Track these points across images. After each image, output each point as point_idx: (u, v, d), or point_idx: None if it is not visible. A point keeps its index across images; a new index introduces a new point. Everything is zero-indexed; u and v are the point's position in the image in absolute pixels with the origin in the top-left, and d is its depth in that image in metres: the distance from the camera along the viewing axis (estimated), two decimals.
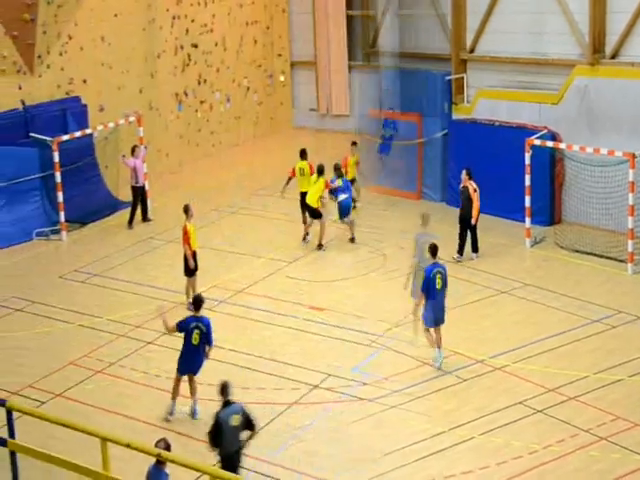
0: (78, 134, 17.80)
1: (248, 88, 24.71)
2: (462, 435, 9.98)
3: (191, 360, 10.64)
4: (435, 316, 11.80)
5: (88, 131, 18.28)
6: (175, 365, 11.84)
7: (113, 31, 20.04)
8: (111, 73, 20.12)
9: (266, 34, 25.21)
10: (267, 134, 25.33)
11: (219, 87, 23.54)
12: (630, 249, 14.40)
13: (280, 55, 25.64)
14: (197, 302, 10.83)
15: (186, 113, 22.51)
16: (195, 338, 10.49)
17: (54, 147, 16.99)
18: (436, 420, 10.31)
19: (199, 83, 22.84)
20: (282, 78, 25.80)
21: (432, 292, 11.67)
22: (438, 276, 11.73)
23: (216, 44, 23.26)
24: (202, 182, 20.85)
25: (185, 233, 13.56)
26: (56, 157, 17.00)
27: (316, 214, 16.00)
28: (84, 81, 19.41)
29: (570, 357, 11.76)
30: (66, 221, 17.40)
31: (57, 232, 17.42)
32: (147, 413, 10.70)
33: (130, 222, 17.87)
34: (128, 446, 7.21)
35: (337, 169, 16.67)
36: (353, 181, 18.15)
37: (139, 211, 18.10)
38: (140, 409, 10.82)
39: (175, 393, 10.71)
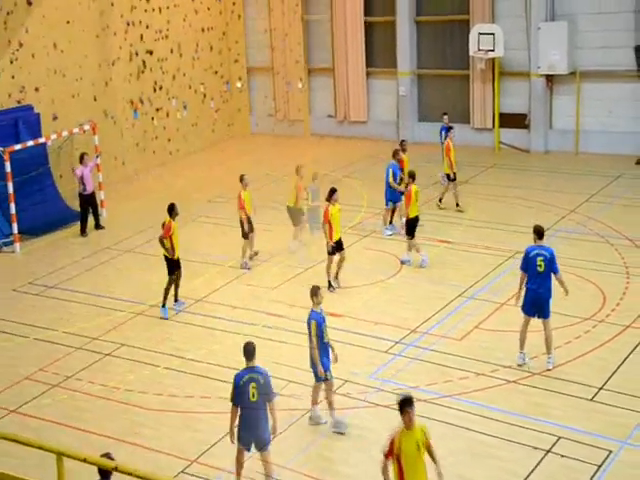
0: (31, 143, 17.47)
1: (205, 95, 24.57)
2: (482, 441, 9.88)
3: (253, 424, 8.81)
4: (533, 303, 11.08)
5: (41, 140, 17.96)
6: (134, 376, 11.68)
7: (66, 38, 19.76)
8: (64, 81, 19.81)
9: (222, 40, 25.12)
10: (224, 140, 25.22)
11: (175, 94, 23.36)
12: None
13: (236, 61, 25.57)
14: (244, 350, 8.90)
15: (142, 121, 22.28)
16: (253, 394, 8.77)
17: (6, 157, 16.62)
18: (455, 428, 10.15)
19: (155, 90, 22.64)
20: (239, 84, 25.70)
21: (531, 274, 10.95)
22: (540, 259, 10.92)
23: (171, 50, 23.10)
24: (159, 190, 20.62)
25: (240, 200, 15.15)
26: (8, 167, 16.63)
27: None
28: (36, 89, 19.08)
29: None
30: (19, 232, 17.05)
31: (10, 244, 17.05)
32: (105, 426, 10.48)
33: (82, 230, 17.65)
34: (84, 460, 7.05)
35: None
36: (452, 176, 17.70)
37: (91, 219, 17.84)
38: (98, 422, 10.59)
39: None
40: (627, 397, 10.62)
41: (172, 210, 13.66)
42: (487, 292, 13.93)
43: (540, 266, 10.95)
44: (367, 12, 24.29)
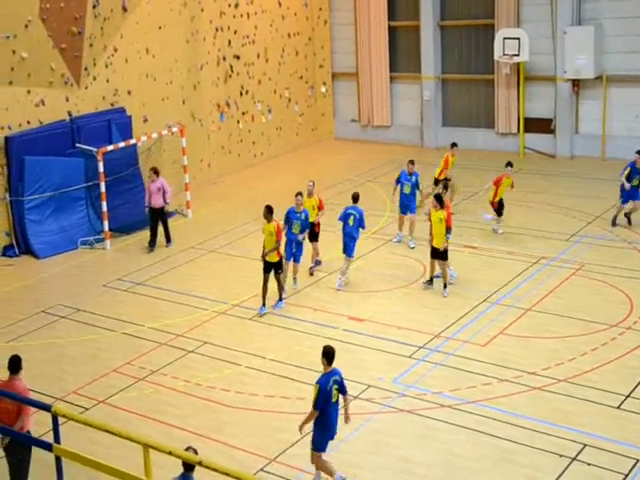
0: (122, 144, 18.08)
1: (289, 99, 24.87)
2: (506, 448, 9.82)
3: (334, 423, 9.05)
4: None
5: (132, 141, 18.55)
6: (216, 374, 11.89)
7: (157, 43, 20.35)
8: (155, 84, 20.41)
9: (308, 45, 25.38)
10: (308, 145, 25.47)
11: (261, 98, 23.73)
12: None
13: (321, 66, 25.78)
14: (328, 354, 8.93)
15: (228, 124, 22.72)
16: (334, 395, 8.97)
17: (99, 157, 17.26)
18: (478, 434, 10.15)
19: (241, 94, 23.06)
20: (323, 89, 25.91)
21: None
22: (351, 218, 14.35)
23: (258, 55, 23.48)
24: (243, 192, 20.99)
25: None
26: (101, 167, 17.27)
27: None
28: (129, 92, 19.72)
29: None
30: (110, 230, 17.65)
31: (101, 241, 17.68)
32: (187, 421, 10.74)
33: (150, 244, 17.06)
34: (170, 453, 7.24)
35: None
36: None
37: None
38: (180, 417, 10.86)
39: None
40: None
41: (271, 212, 13.60)
42: (511, 298, 13.84)
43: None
44: (391, 17, 24.36)
